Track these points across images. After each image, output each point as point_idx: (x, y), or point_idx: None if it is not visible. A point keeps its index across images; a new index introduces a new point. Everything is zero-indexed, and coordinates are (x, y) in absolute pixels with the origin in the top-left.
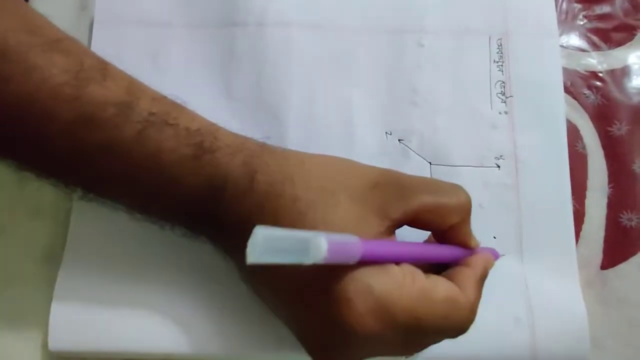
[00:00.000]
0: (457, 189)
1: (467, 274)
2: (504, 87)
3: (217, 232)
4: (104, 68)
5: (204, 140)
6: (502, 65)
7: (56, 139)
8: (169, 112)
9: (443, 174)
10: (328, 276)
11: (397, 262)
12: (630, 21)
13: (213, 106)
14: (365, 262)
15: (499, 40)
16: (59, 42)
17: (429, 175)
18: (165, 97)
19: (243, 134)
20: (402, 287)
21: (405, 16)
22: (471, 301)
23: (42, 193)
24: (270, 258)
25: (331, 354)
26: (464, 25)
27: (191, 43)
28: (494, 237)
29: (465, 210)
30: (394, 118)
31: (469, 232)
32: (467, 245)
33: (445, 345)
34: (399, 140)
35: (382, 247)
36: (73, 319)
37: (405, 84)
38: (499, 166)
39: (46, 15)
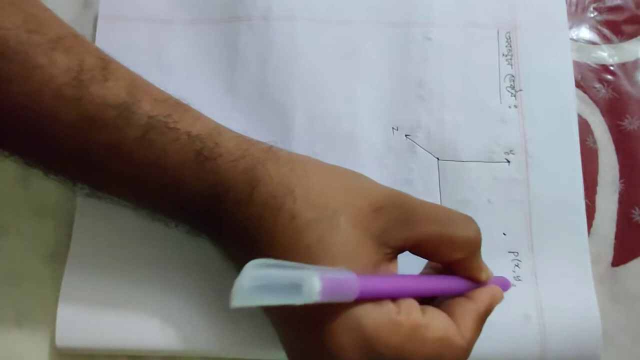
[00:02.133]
0: (467, 221)
1: (468, 310)
2: (514, 80)
3: (219, 235)
4: (105, 67)
5: (204, 147)
6: (511, 59)
7: (60, 139)
8: (170, 114)
9: (451, 170)
10: (322, 308)
11: (395, 297)
12: None
13: (217, 102)
14: (363, 299)
15: (508, 34)
16: (61, 40)
17: (436, 172)
18: (168, 98)
19: (247, 129)
20: (393, 324)
21: (412, 9)
22: (467, 340)
23: (47, 192)
24: (257, 300)
25: None
26: (471, 19)
27: (195, 38)
28: (504, 234)
29: (473, 245)
30: (400, 113)
31: (478, 266)
32: (476, 280)
33: None
34: (405, 135)
35: (381, 283)
36: (79, 316)
37: (412, 78)
38: (508, 161)
39: None
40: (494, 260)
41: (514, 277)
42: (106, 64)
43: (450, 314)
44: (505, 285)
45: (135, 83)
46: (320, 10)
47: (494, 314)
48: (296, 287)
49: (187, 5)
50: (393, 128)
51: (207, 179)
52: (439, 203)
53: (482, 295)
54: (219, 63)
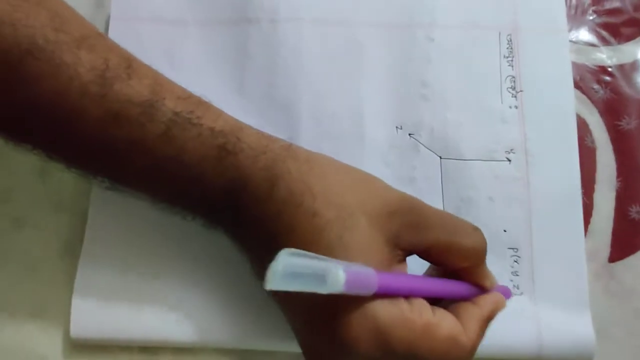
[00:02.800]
0: (475, 232)
1: (473, 314)
2: (514, 81)
3: (235, 229)
4: (129, 66)
5: (227, 142)
6: (512, 61)
7: (85, 135)
8: (193, 111)
9: (453, 168)
10: (338, 302)
11: (408, 296)
12: None
13: (226, 101)
14: (379, 294)
15: (509, 36)
16: (86, 39)
17: (439, 170)
18: (190, 96)
19: (256, 127)
20: (406, 321)
21: (415, 11)
22: (472, 342)
23: (63, 186)
24: (289, 285)
25: None
26: (473, 21)
27: (205, 39)
28: (504, 231)
29: (479, 255)
30: (404, 112)
31: (483, 274)
32: (481, 287)
33: None
34: (409, 134)
35: (396, 281)
36: (94, 307)
37: (415, 78)
38: (509, 160)
39: None
40: (494, 256)
41: (512, 272)
42: (130, 62)
43: (456, 316)
44: (506, 293)
45: (159, 81)
46: (326, 13)
47: None
48: (322, 278)
49: (198, 6)
50: (397, 127)
51: (227, 173)
52: (441, 200)
53: (486, 302)
54: (229, 63)
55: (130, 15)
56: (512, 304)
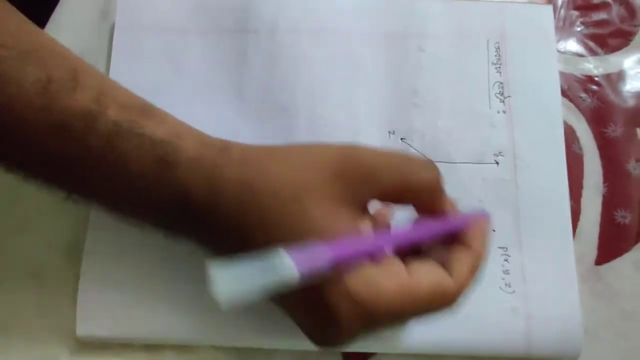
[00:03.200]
0: (422, 165)
1: (463, 259)
2: (502, 87)
3: (190, 237)
4: (74, 78)
5: (166, 153)
6: (499, 67)
7: (30, 147)
8: (136, 120)
9: (443, 171)
10: (312, 286)
11: (375, 256)
12: (626, 27)
13: (226, 107)
14: (341, 263)
15: (497, 44)
16: (32, 53)
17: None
18: (134, 102)
19: (255, 132)
20: (381, 291)
21: (407, 22)
22: (460, 284)
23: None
24: (240, 294)
25: (329, 341)
26: (462, 30)
27: (207, 48)
28: (494, 230)
29: (433, 186)
30: (396, 118)
31: (444, 202)
32: (444, 213)
33: (443, 334)
34: (401, 139)
35: (351, 243)
36: (98, 306)
37: (407, 86)
38: (497, 163)
39: (70, 22)
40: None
41: (503, 271)
42: (76, 74)
43: (443, 261)
44: (485, 215)
45: (103, 90)
46: (322, 24)
47: (482, 306)
48: (270, 269)
49: (199, 16)
50: (389, 132)
51: (169, 187)
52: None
53: (474, 238)
54: (229, 71)
55: (135, 24)
56: (503, 301)
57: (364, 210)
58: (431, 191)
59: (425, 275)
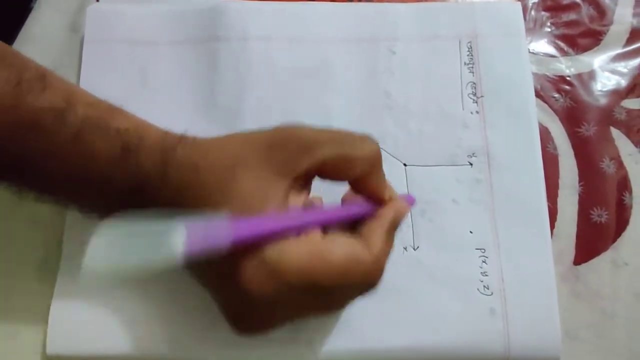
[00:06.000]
0: (362, 140)
1: (373, 228)
2: (475, 87)
3: None
4: (43, 79)
5: (130, 140)
6: (472, 67)
7: (0, 146)
8: (102, 115)
9: (417, 174)
10: (237, 254)
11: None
12: (596, 27)
13: (198, 116)
14: (251, 238)
15: (469, 43)
16: (1, 60)
17: (404, 176)
18: (102, 102)
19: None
20: (292, 248)
21: (377, 26)
22: (375, 254)
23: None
24: (114, 268)
25: (245, 321)
26: (434, 31)
27: (177, 58)
28: (470, 232)
29: (371, 161)
30: (369, 122)
31: (380, 184)
32: (380, 197)
33: (421, 337)
34: None
35: (258, 223)
36: (70, 323)
37: (379, 89)
38: (471, 164)
39: (39, 35)
40: (462, 255)
41: (482, 272)
42: (44, 76)
43: (360, 234)
44: (410, 200)
45: (72, 91)
46: (293, 31)
47: (460, 308)
48: (158, 242)
49: (170, 27)
50: None
51: (131, 173)
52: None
53: (385, 212)
54: (200, 80)
55: (104, 38)
56: (481, 303)
57: (300, 187)
58: (371, 165)
59: (340, 244)
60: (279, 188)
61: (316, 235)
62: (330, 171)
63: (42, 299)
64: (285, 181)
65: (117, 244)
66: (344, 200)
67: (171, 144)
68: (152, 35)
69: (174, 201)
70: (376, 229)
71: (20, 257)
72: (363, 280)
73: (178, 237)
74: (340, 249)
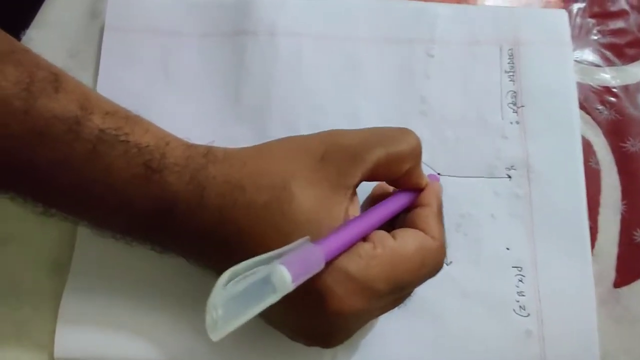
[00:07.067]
0: (405, 133)
1: (425, 215)
2: (515, 97)
3: (174, 247)
4: (56, 80)
5: (152, 158)
6: (513, 75)
7: (8, 153)
8: (121, 127)
9: (453, 185)
10: (310, 281)
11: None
12: None
13: (222, 112)
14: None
15: (510, 51)
16: (11, 54)
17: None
18: (119, 110)
19: (252, 140)
20: (375, 259)
21: (414, 26)
22: (437, 239)
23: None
24: (235, 322)
25: (335, 339)
26: (474, 35)
27: (201, 50)
28: (507, 248)
29: (417, 153)
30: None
31: (420, 174)
32: (419, 187)
33: (453, 355)
34: None
35: (341, 238)
36: (78, 327)
37: (414, 93)
38: (510, 177)
39: (56, 21)
40: (497, 273)
41: (518, 292)
42: (57, 77)
43: (414, 225)
44: (436, 178)
45: (87, 95)
46: (323, 27)
47: (495, 330)
48: (268, 287)
49: (196, 18)
50: None
51: (155, 193)
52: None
53: (430, 197)
54: (225, 75)
55: (125, 25)
56: (517, 324)
57: (352, 196)
58: (418, 157)
59: (409, 239)
60: (340, 203)
61: (385, 236)
62: (382, 173)
63: (51, 301)
64: (345, 195)
65: (232, 302)
66: (377, 195)
67: (200, 161)
68: (176, 25)
69: (216, 221)
70: (429, 216)
71: (32, 255)
72: (435, 266)
73: (284, 277)
74: (412, 243)
